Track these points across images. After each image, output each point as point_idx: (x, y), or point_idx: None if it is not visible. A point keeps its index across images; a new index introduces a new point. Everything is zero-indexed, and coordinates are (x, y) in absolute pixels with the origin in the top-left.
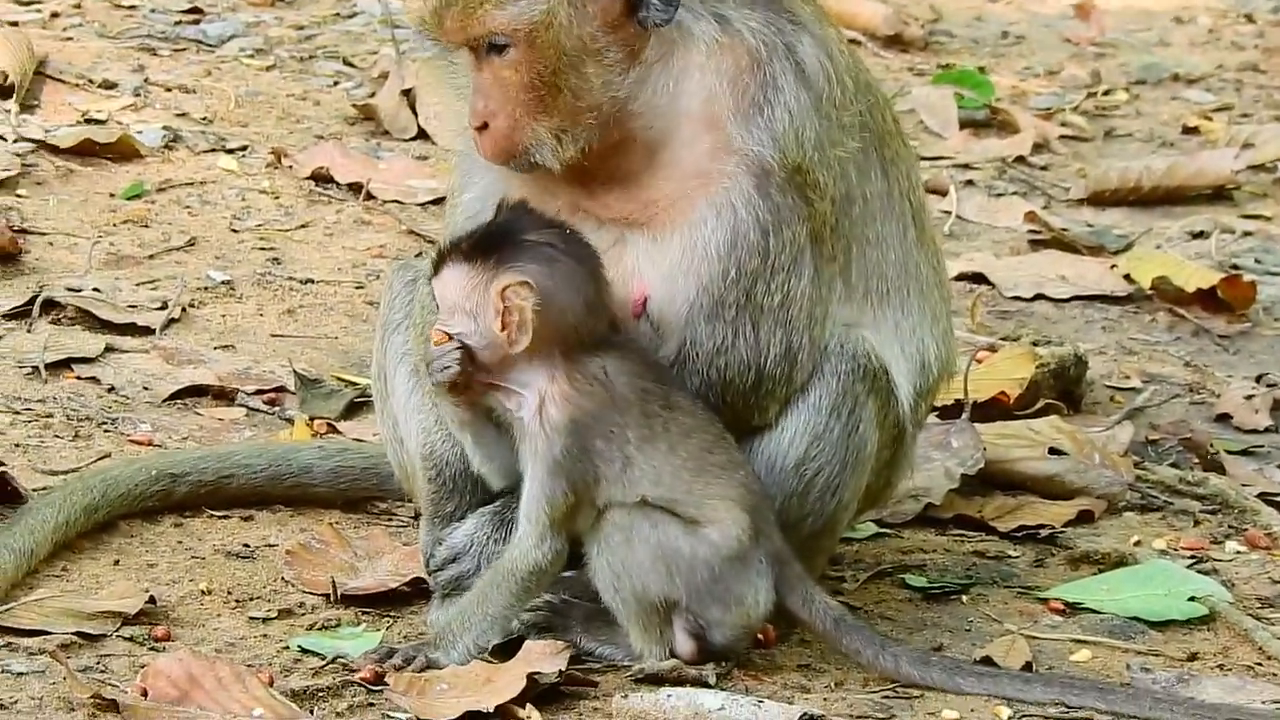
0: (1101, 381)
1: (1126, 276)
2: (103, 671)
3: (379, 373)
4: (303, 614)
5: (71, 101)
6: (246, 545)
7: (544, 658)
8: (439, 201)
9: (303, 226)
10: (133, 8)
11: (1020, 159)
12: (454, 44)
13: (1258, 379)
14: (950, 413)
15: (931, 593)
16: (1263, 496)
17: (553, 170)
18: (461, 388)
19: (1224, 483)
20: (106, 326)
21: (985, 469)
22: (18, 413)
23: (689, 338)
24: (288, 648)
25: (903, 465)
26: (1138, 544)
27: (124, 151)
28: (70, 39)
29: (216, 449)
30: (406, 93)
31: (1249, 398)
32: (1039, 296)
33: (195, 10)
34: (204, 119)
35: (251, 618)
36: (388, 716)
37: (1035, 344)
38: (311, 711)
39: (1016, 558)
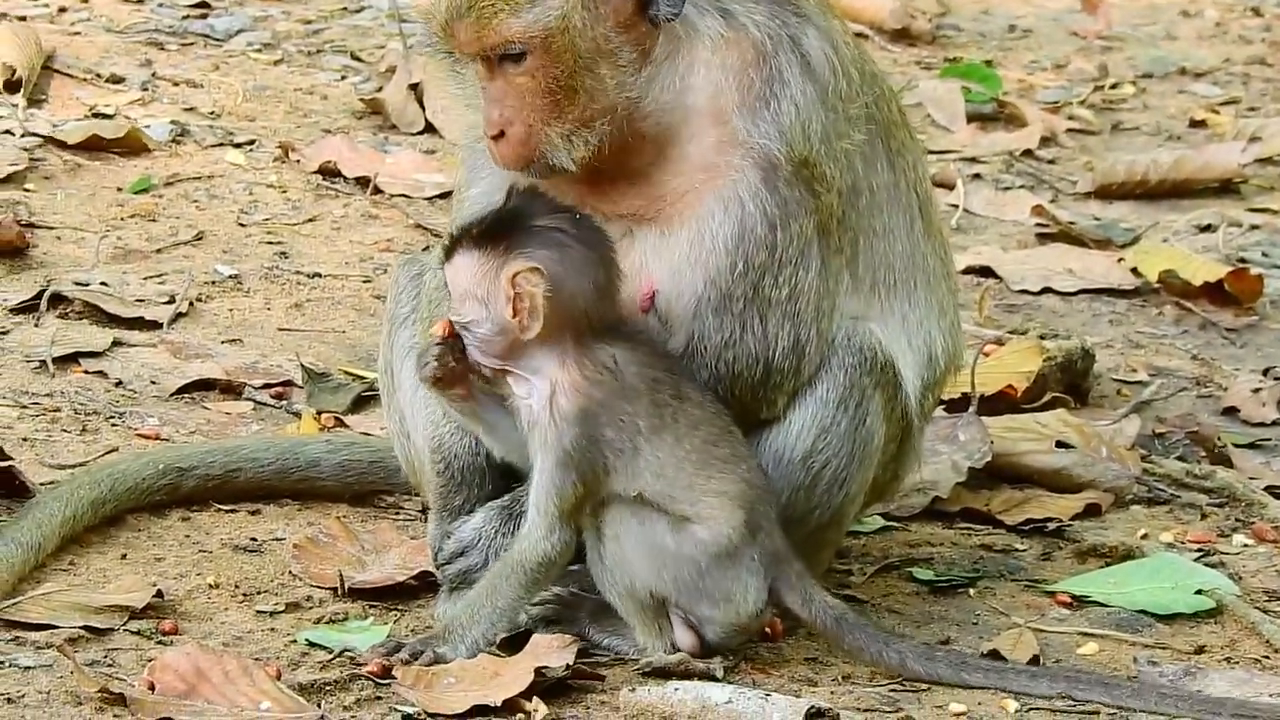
0: (1109, 375)
1: (1134, 270)
2: (110, 665)
3: (386, 367)
4: (310, 608)
5: (79, 96)
6: (254, 539)
7: (551, 651)
8: (446, 195)
9: (310, 220)
10: (140, 2)
11: (1027, 152)
12: (467, 55)
13: (1265, 372)
14: (957, 406)
15: (939, 586)
16: (1270, 489)
17: (568, 172)
18: (449, 381)
19: (1231, 476)
20: (114, 321)
21: (992, 462)
22: (25, 407)
23: (697, 331)
24: (295, 641)
25: (910, 458)
26: (1145, 537)
27: (131, 146)
28: (78, 33)
29: (224, 443)
30: (414, 87)
31: (1256, 391)
32: (1046, 290)
33: (203, 5)
34: (211, 113)
35: (259, 611)
36: (395, 710)
37: (1042, 337)
38: (319, 705)
39: (1024, 551)
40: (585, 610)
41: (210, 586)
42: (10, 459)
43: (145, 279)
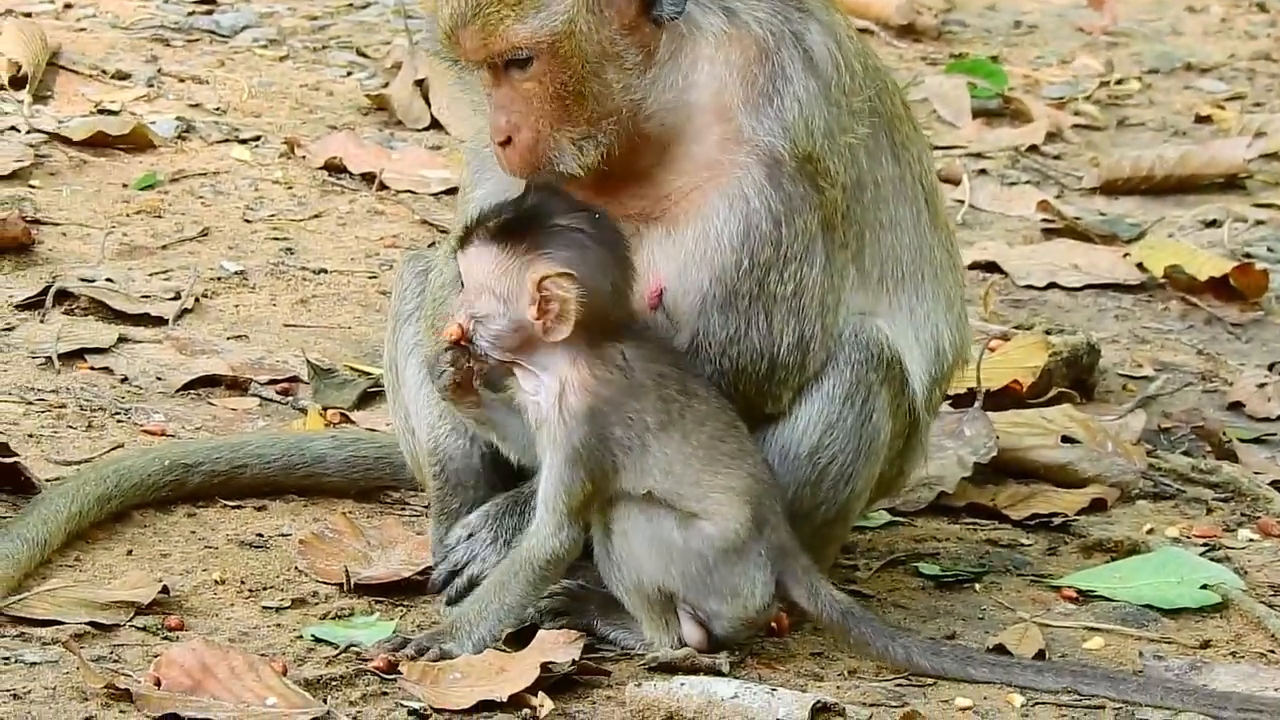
0: (1114, 370)
1: (1139, 265)
2: (116, 661)
3: (390, 364)
4: (316, 603)
5: (85, 92)
6: (260, 535)
7: (558, 647)
8: (452, 191)
9: (316, 216)
10: None
11: (1033, 148)
12: (473, 62)
13: (1270, 367)
14: (963, 401)
15: (944, 581)
16: (1275, 484)
17: (575, 177)
18: (465, 388)
19: (1236, 471)
20: (119, 317)
21: (998, 457)
22: (31, 403)
23: (702, 328)
24: (301, 637)
25: (916, 453)
26: (1150, 532)
27: (137, 142)
28: (83, 30)
29: (230, 439)
30: (420, 83)
31: (1261, 386)
32: (1052, 285)
33: (208, 1)
34: (217, 109)
35: (265, 607)
36: (401, 705)
37: (1048, 332)
38: (325, 700)
39: (1029, 546)
40: (593, 604)
41: (216, 582)
42: (16, 455)
43: (151, 275)
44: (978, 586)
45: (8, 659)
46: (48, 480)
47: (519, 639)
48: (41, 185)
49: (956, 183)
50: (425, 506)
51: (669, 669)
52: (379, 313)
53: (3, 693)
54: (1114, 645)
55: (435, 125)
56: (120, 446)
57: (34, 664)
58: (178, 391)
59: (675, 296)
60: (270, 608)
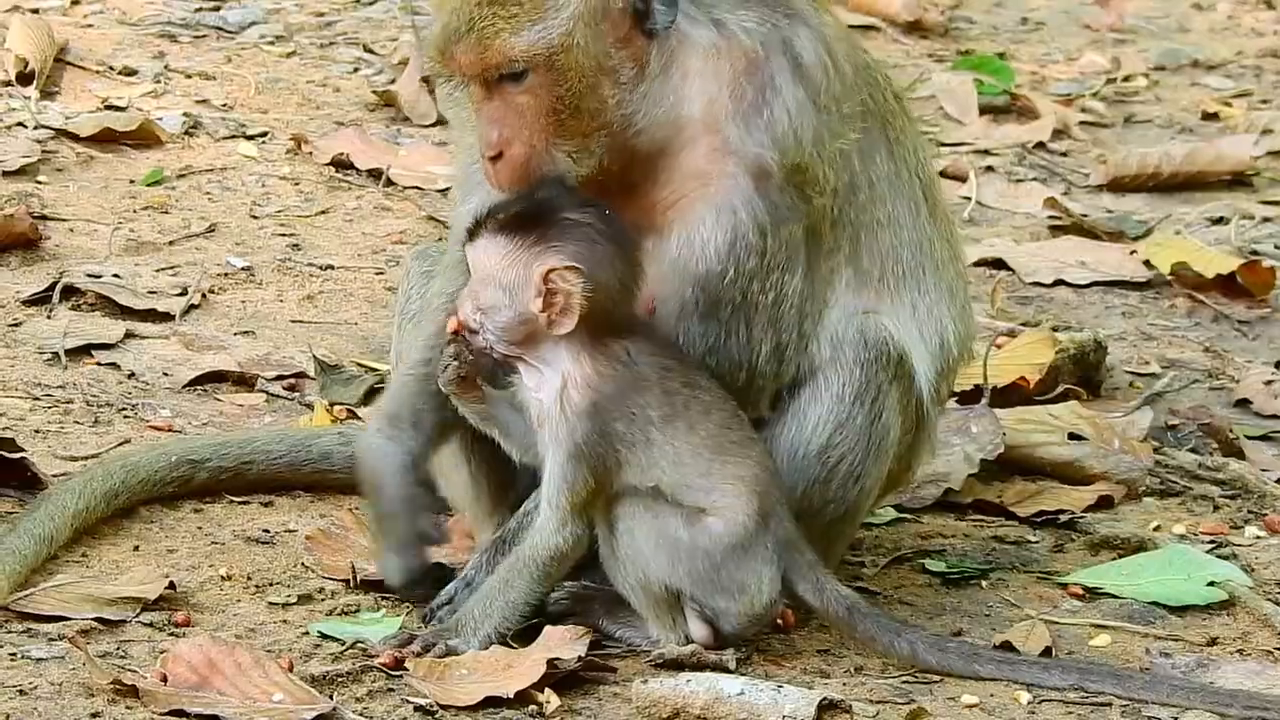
0: (1121, 367)
1: (1146, 262)
2: (122, 657)
3: (397, 360)
4: (322, 599)
5: (92, 88)
6: (266, 531)
7: (564, 643)
8: None
9: (323, 213)
10: None
11: (1040, 145)
12: (467, 77)
13: (1277, 364)
14: (970, 398)
15: (951, 578)
16: None
17: None
18: (470, 383)
19: (1243, 468)
20: (126, 312)
21: (1005, 454)
22: (37, 399)
23: (682, 336)
24: (307, 633)
25: (924, 447)
26: (1157, 529)
27: (144, 138)
28: (90, 26)
29: (236, 435)
30: (427, 79)
31: (1268, 383)
32: (1059, 282)
33: None
34: (224, 105)
35: (271, 603)
36: (407, 702)
37: (1055, 329)
38: (331, 697)
39: (1036, 543)
40: (599, 602)
41: (222, 578)
42: (22, 451)
43: (158, 271)
44: (984, 583)
45: (14, 655)
46: (54, 476)
47: (525, 636)
48: (48, 181)
49: (963, 179)
50: None
51: (675, 665)
52: (386, 308)
53: (9, 688)
54: (1121, 642)
55: (442, 121)
56: (127, 442)
57: (40, 660)
58: (184, 387)
59: (659, 304)
60: (277, 604)
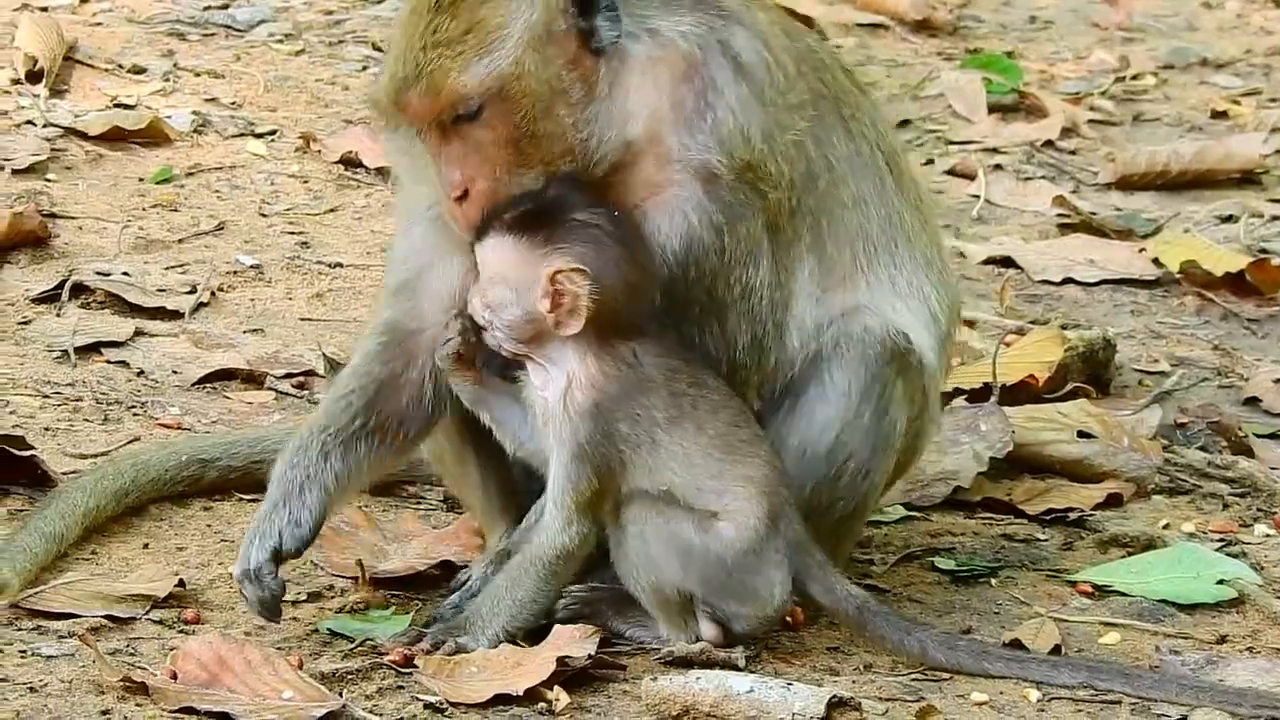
0: (1130, 365)
1: (1155, 260)
2: (132, 654)
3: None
4: (332, 597)
5: (101, 86)
6: None
7: (573, 641)
8: None
9: (331, 211)
10: None
11: (1049, 143)
12: (421, 122)
13: None
14: (979, 396)
15: (960, 575)
16: None
17: None
18: (465, 362)
19: (1253, 466)
20: (136, 310)
21: (1014, 452)
22: (47, 396)
23: None
24: (317, 630)
25: (929, 426)
26: (1166, 527)
27: (153, 136)
28: (99, 24)
29: (246, 433)
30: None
31: (1278, 381)
32: (1068, 280)
33: None
34: (233, 104)
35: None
36: (417, 699)
37: (1064, 327)
38: (341, 694)
39: (1045, 541)
40: (607, 602)
41: (232, 576)
42: (32, 449)
43: (167, 269)
44: (993, 581)
45: (25, 652)
46: (64, 474)
47: (535, 633)
48: (58, 179)
49: (972, 178)
50: (442, 500)
51: (685, 663)
52: None
53: (19, 686)
54: (1130, 640)
55: None
56: (136, 440)
57: (50, 657)
58: (194, 385)
59: None
60: (286, 601)
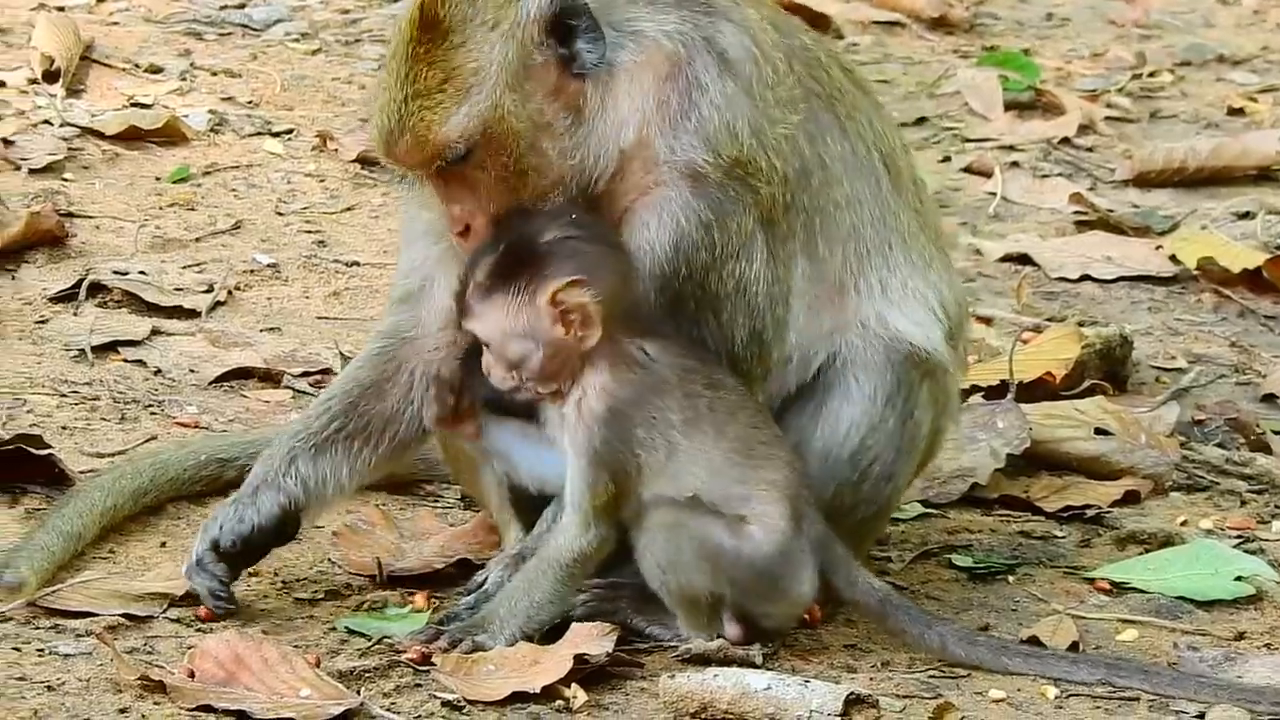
0: (1147, 362)
1: (1172, 257)
2: (150, 653)
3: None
4: (349, 595)
5: (117, 86)
6: None
7: (591, 639)
8: None
9: (348, 209)
10: None
11: (1065, 140)
12: (413, 168)
13: None
14: (996, 393)
15: (978, 573)
16: None
17: None
18: (455, 421)
19: (1270, 462)
20: (153, 309)
21: (1031, 449)
22: (64, 395)
23: None
24: (334, 629)
25: (947, 421)
26: (1184, 524)
27: (170, 135)
28: (116, 24)
29: (264, 432)
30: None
31: None
32: (1085, 277)
33: None
34: (250, 103)
35: (298, 599)
36: (434, 697)
37: (1081, 324)
38: (358, 692)
39: (1063, 538)
40: (626, 599)
41: (249, 574)
42: (49, 447)
43: (184, 268)
44: (1011, 578)
45: (42, 651)
46: (81, 473)
47: (552, 631)
48: (75, 179)
49: (989, 175)
50: (459, 499)
51: (703, 661)
52: None
53: (37, 684)
54: (1148, 637)
55: None
56: (153, 439)
57: (68, 656)
58: (211, 384)
59: None
60: (303, 599)
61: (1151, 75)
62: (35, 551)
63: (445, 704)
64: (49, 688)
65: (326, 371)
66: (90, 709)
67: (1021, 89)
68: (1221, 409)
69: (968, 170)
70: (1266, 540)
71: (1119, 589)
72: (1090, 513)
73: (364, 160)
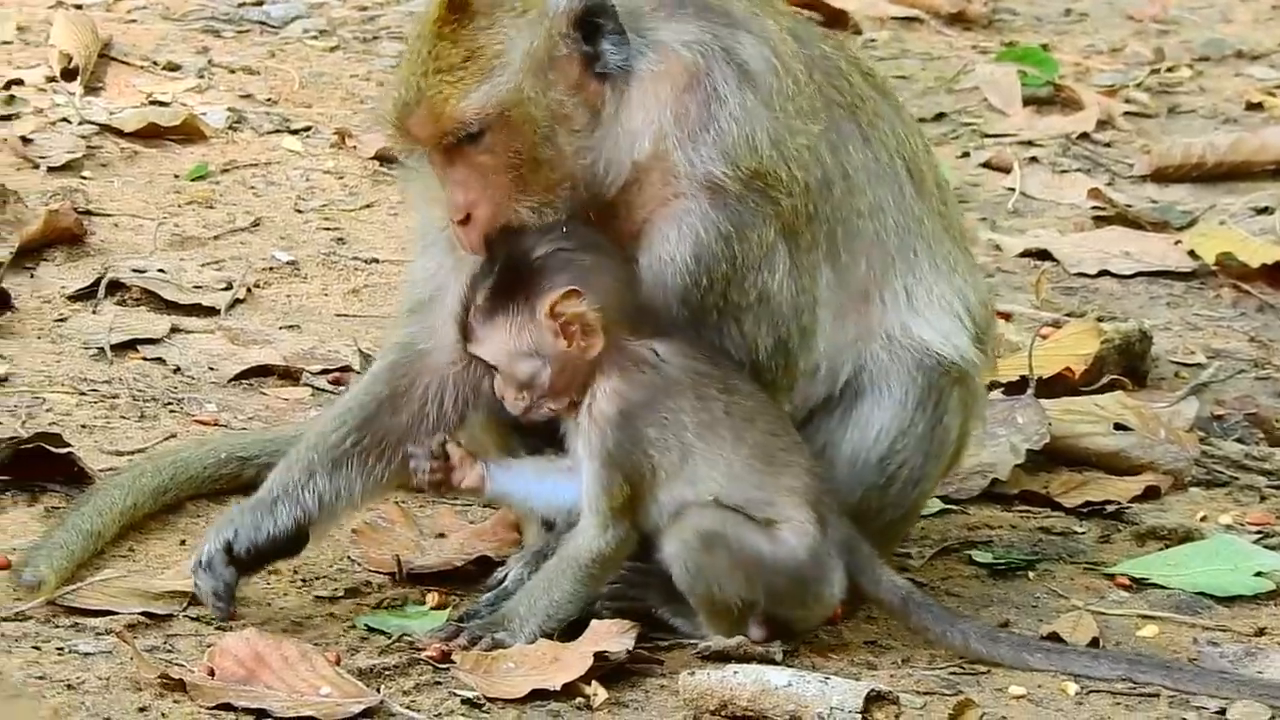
0: (1166, 357)
1: (1191, 252)
2: (169, 651)
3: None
4: (369, 593)
5: (136, 84)
6: None
7: (611, 636)
8: None
9: (367, 206)
10: None
11: (1084, 136)
12: (425, 145)
13: None
14: (1016, 388)
15: (998, 569)
16: None
17: None
18: (451, 485)
19: None
20: (172, 307)
21: (1051, 445)
22: (84, 394)
23: None
24: (354, 626)
25: (975, 422)
26: (1204, 519)
27: (188, 133)
28: (134, 21)
29: (284, 430)
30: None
31: None
32: (1104, 273)
33: None
34: (268, 100)
35: (318, 597)
36: (454, 695)
37: (1100, 320)
38: (378, 690)
39: (1082, 533)
40: (654, 586)
41: (269, 572)
42: (69, 446)
43: (203, 265)
44: (1031, 574)
45: (62, 649)
46: (100, 471)
47: (572, 628)
48: (93, 177)
49: (1007, 171)
50: None
51: (722, 657)
52: None
53: (57, 683)
54: (1168, 633)
55: None
56: (173, 437)
57: (88, 654)
58: (230, 381)
59: None
60: (323, 597)
61: (1170, 70)
62: (55, 550)
63: (465, 702)
64: (69, 686)
65: (346, 369)
66: (110, 708)
67: (1040, 84)
68: (1241, 404)
69: (986, 165)
70: None
71: (1139, 585)
72: (1110, 508)
73: (383, 157)
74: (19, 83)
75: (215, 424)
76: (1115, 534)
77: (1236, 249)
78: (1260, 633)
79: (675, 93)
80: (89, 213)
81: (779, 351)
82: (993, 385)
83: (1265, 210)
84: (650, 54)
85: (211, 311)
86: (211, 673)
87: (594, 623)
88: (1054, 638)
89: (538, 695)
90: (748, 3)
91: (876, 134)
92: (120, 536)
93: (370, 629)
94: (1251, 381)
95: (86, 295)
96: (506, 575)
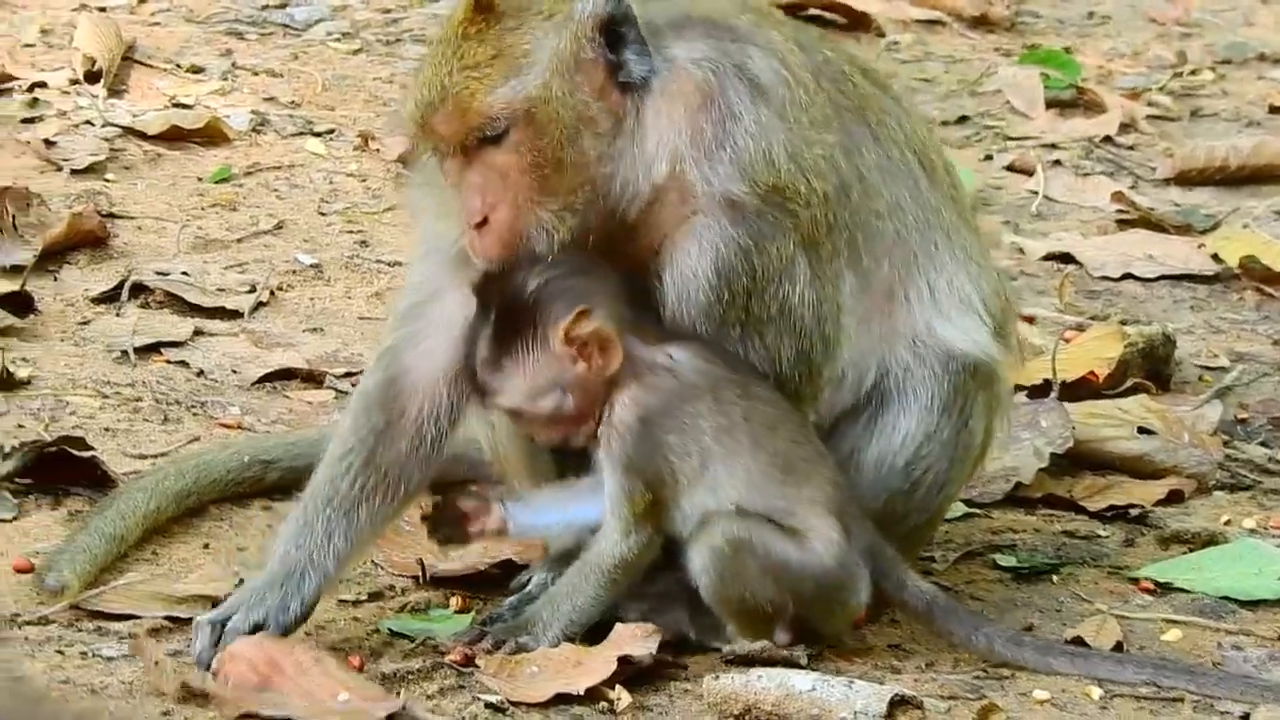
0: (1190, 360)
1: (1214, 256)
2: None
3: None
4: (392, 597)
5: (159, 86)
6: None
7: (635, 640)
8: None
9: (390, 209)
10: None
11: (1107, 139)
12: (448, 145)
13: None
14: (1039, 392)
15: (1021, 572)
16: None
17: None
18: (461, 538)
19: None
20: (195, 310)
21: (1074, 448)
22: (107, 397)
23: None
24: (378, 630)
25: (999, 420)
26: (1228, 523)
27: (212, 136)
28: (158, 24)
29: (308, 433)
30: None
31: None
32: (1127, 276)
33: None
34: (291, 103)
35: (341, 600)
36: (478, 699)
37: (1124, 323)
38: (399, 694)
39: (1106, 537)
40: (681, 608)
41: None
42: (92, 449)
43: (226, 268)
44: (1055, 578)
45: (85, 654)
46: (124, 474)
47: (596, 632)
48: (116, 179)
49: (1031, 173)
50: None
51: (746, 662)
52: None
53: (80, 687)
54: (1192, 637)
55: None
56: (196, 440)
57: (111, 659)
58: (253, 385)
59: None
60: (347, 601)
61: (1193, 73)
62: (78, 554)
63: (488, 706)
64: (92, 690)
65: None
66: (133, 712)
67: (1063, 87)
68: (1264, 408)
69: (1009, 169)
70: None
71: (1163, 589)
72: (1134, 512)
73: (406, 160)
74: (43, 85)
75: (239, 427)
76: (1139, 538)
77: (1260, 252)
78: None
79: (689, 113)
80: (112, 215)
81: (801, 361)
82: (1016, 389)
83: None
84: (664, 71)
85: (235, 314)
86: (223, 678)
87: (618, 626)
88: (1078, 642)
89: (561, 699)
90: (749, 16)
91: (885, 131)
92: (143, 540)
93: (394, 633)
94: (1275, 385)
95: (110, 298)
96: (530, 579)
